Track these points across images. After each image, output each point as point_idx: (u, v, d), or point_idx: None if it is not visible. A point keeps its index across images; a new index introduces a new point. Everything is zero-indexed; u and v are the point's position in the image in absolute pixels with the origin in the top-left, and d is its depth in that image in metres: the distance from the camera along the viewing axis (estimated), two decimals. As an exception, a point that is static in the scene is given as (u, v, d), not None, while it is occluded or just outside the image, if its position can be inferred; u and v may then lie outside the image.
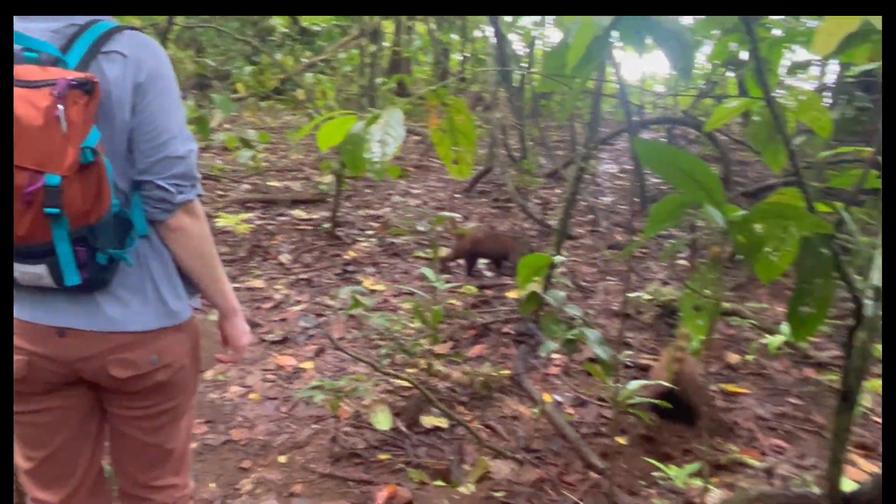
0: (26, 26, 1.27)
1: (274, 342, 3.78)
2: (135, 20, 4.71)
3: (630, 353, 3.71)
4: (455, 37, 13.20)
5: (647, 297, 4.23)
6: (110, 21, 1.35)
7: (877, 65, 2.43)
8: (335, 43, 13.47)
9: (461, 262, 5.03)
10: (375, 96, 8.67)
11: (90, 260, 1.28)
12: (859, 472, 2.75)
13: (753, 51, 1.58)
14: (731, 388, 3.45)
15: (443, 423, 3.05)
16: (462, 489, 2.59)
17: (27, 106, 1.16)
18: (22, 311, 1.36)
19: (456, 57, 14.96)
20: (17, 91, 1.17)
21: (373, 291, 4.57)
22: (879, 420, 3.23)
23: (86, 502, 1.58)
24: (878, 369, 3.56)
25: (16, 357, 1.35)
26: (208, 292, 1.52)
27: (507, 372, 3.49)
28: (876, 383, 3.23)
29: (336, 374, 3.45)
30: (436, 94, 1.74)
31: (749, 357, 3.74)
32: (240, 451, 2.83)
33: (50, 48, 1.26)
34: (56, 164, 1.18)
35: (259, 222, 5.91)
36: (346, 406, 3.02)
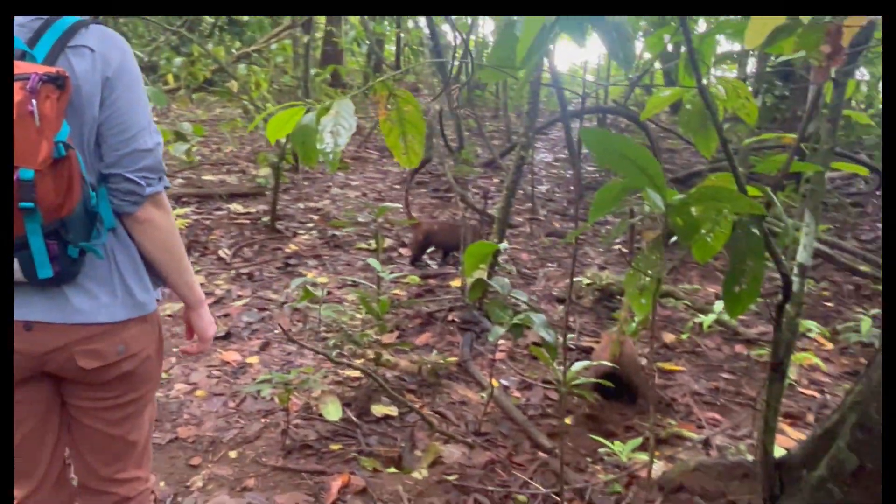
0: None
1: (218, 338, 3.72)
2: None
3: (572, 336, 3.83)
4: (389, 27, 13.15)
5: (587, 281, 4.36)
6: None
7: (796, 55, 2.59)
8: (267, 33, 13.22)
9: (429, 250, 5.05)
10: (310, 87, 8.58)
11: (62, 253, 1.29)
12: (787, 440, 2.92)
13: (688, 42, 1.66)
14: (667, 366, 3.60)
15: (393, 411, 3.08)
16: (415, 475, 2.63)
17: None
18: None
19: (390, 48, 14.92)
20: None
21: (315, 284, 4.55)
22: (804, 391, 3.45)
23: (50, 496, 1.57)
24: (801, 343, 3.79)
25: None
26: (174, 283, 1.53)
27: (453, 359, 3.55)
28: (800, 356, 3.43)
29: (283, 368, 3.43)
30: (384, 85, 1.76)
31: (684, 336, 3.91)
32: (188, 448, 2.79)
33: (17, 42, 1.25)
34: (29, 158, 1.19)
35: (195, 217, 5.78)
36: (296, 399, 3.02)
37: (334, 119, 1.60)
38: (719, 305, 3.73)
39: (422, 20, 10.87)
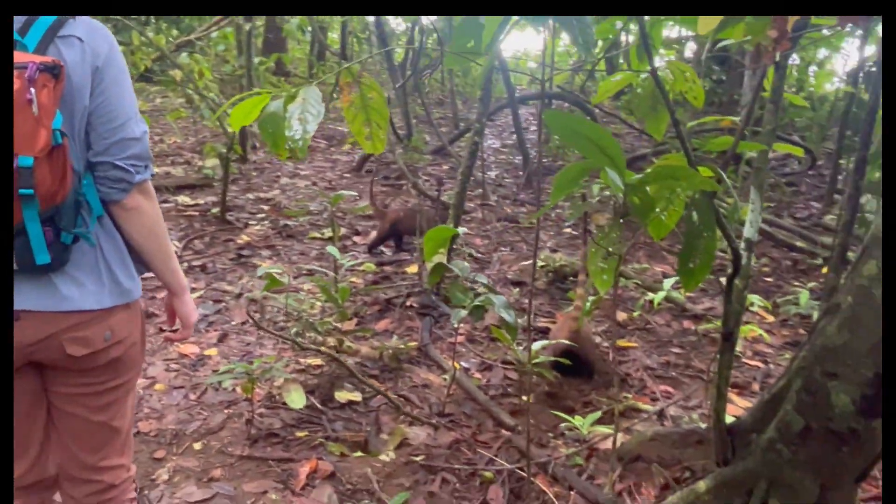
0: None
1: (174, 331, 3.67)
2: None
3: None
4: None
5: (541, 264, 4.46)
6: None
7: (732, 41, 2.70)
8: (206, 22, 12.89)
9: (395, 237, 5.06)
10: (254, 76, 8.44)
11: (55, 240, 1.31)
12: (735, 408, 3.07)
13: (642, 29, 1.73)
14: (621, 342, 3.73)
15: (356, 396, 3.11)
16: (383, 457, 2.67)
17: None
18: None
19: (333, 35, 14.74)
20: None
21: (281, 273, 4.52)
22: (749, 362, 3.62)
23: (35, 488, 1.58)
24: (745, 316, 3.96)
25: None
26: (159, 270, 1.55)
27: (413, 343, 3.59)
28: (745, 328, 3.60)
29: (243, 359, 3.42)
30: (349, 72, 1.78)
31: (635, 314, 4.04)
32: (151, 442, 2.76)
33: None
34: (28, 145, 1.20)
35: (141, 210, 5.64)
36: (258, 388, 3.01)
37: (302, 106, 1.62)
38: (668, 283, 3.87)
39: (365, 7, 10.75)
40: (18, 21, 1.29)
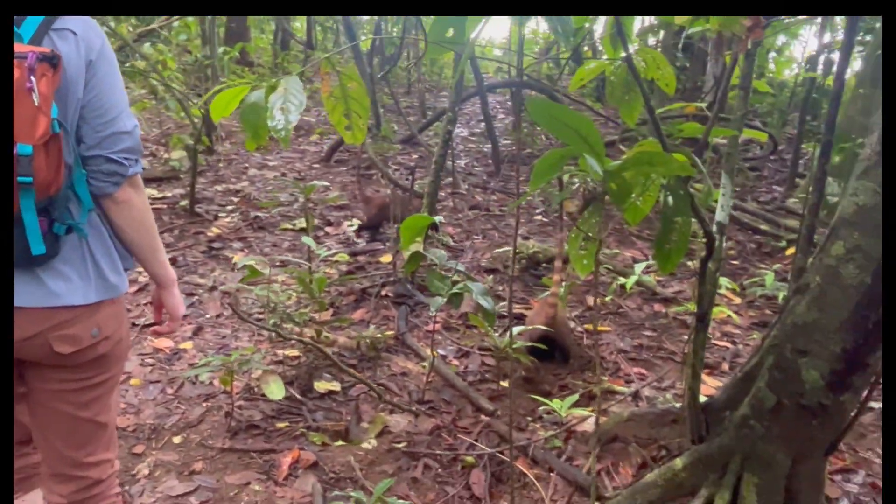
0: None
1: (147, 325, 3.63)
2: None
3: (503, 303, 3.95)
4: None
5: (513, 251, 4.50)
6: None
7: (698, 29, 2.75)
8: (166, 10, 12.61)
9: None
10: (218, 66, 8.31)
11: (49, 231, 1.31)
12: (706, 388, 3.15)
13: (616, 18, 1.76)
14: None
15: (336, 386, 3.12)
16: (365, 445, 2.69)
17: None
18: None
19: (297, 24, 14.57)
20: None
21: (264, 265, 4.48)
22: (718, 343, 3.71)
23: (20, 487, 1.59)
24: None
25: None
26: (149, 262, 1.56)
27: (390, 332, 3.61)
28: (714, 310, 3.69)
29: (219, 352, 3.40)
30: (329, 62, 1.78)
31: (608, 298, 4.11)
32: (129, 437, 2.74)
33: None
34: (28, 133, 1.21)
35: (107, 204, 5.54)
36: (236, 380, 3.00)
37: (283, 96, 1.61)
38: (639, 267, 3.95)
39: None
40: None
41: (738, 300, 4.26)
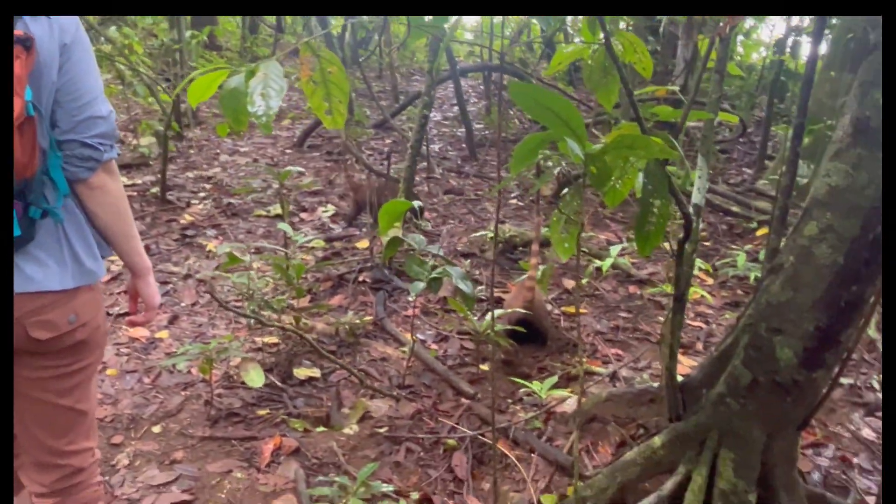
0: None
1: (122, 314, 3.59)
2: None
3: (481, 287, 3.98)
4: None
5: (490, 234, 4.52)
6: None
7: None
8: (130, -8, 12.31)
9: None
10: (185, 50, 8.16)
11: (24, 215, 1.30)
12: (681, 367, 3.21)
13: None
14: (571, 309, 3.83)
15: (316, 373, 3.12)
16: (346, 431, 2.70)
17: None
18: None
19: (265, 7, 14.33)
20: None
21: (210, 255, 4.45)
22: (692, 323, 3.77)
23: None
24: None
25: None
26: (124, 250, 1.54)
27: (369, 318, 3.61)
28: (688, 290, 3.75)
29: (196, 340, 3.37)
30: (308, 46, 1.76)
31: (584, 281, 4.15)
32: (107, 427, 2.71)
33: None
34: None
35: (75, 192, 5.43)
36: (215, 369, 2.98)
37: (264, 81, 1.59)
38: (615, 250, 3.99)
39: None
40: None
41: (710, 281, 4.34)
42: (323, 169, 6.59)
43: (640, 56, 2.33)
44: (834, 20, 5.88)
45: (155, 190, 5.39)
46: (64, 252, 1.42)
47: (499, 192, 1.94)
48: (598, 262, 4.14)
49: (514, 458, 2.54)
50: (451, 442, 2.63)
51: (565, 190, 1.92)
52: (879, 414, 2.93)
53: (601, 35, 2.00)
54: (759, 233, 5.02)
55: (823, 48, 6.41)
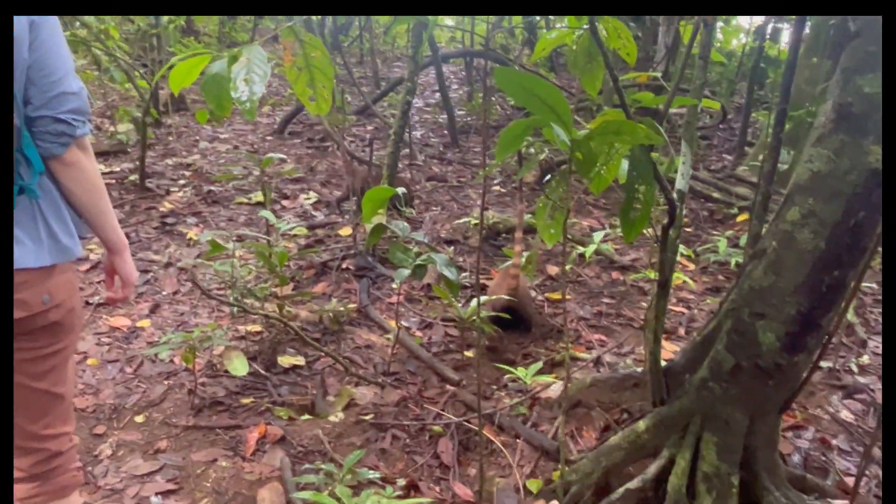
0: None
1: (102, 304, 3.54)
2: None
3: (465, 274, 3.97)
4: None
5: (473, 221, 4.52)
6: None
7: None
8: (105, -24, 12.07)
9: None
10: (164, 35, 8.03)
11: None
12: (664, 352, 3.23)
13: (582, -14, 1.76)
14: (555, 296, 3.85)
15: (300, 361, 3.10)
16: (332, 418, 2.69)
17: None
18: None
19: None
20: None
21: (190, 243, 4.40)
22: (674, 308, 3.81)
23: None
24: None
25: None
26: (100, 226, 1.53)
27: (353, 305, 3.60)
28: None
29: (178, 329, 3.34)
30: (291, 31, 1.74)
31: (567, 267, 4.17)
32: (89, 418, 2.68)
33: None
34: None
35: (52, 179, 5.34)
36: (198, 357, 2.96)
37: (247, 66, 1.57)
38: (598, 236, 4.01)
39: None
40: None
41: (692, 266, 4.37)
42: (304, 156, 6.53)
43: (624, 42, 2.33)
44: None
45: (134, 177, 5.32)
46: (40, 229, 1.41)
47: (484, 178, 1.94)
48: (581, 249, 4.16)
49: (499, 444, 2.55)
50: (437, 428, 2.64)
51: (548, 176, 1.92)
52: (858, 396, 2.98)
53: (586, 21, 1.99)
54: (740, 219, 5.07)
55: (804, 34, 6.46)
